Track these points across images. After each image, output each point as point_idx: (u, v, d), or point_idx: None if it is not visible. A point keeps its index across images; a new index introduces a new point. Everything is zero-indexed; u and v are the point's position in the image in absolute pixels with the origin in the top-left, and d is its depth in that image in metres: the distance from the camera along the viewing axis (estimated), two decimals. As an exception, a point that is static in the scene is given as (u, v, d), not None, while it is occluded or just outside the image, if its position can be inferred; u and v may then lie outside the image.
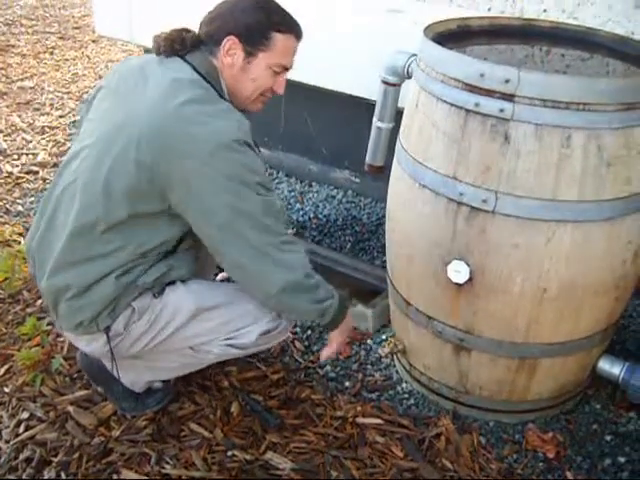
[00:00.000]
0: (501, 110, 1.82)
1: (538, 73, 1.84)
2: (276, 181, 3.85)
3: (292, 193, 3.71)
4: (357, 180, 3.62)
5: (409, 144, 2.10)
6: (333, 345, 2.20)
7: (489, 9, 2.87)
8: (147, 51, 3.08)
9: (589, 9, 2.63)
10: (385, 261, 2.56)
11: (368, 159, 2.61)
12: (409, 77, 2.36)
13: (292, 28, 2.04)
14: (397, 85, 2.43)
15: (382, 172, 2.59)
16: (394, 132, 2.52)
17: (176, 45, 2.00)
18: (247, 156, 1.89)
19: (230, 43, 1.97)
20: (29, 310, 2.81)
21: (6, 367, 2.51)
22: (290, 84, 2.53)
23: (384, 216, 3.32)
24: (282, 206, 2.04)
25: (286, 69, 2.08)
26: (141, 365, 2.22)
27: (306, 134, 3.73)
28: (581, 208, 1.86)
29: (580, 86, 1.76)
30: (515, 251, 1.93)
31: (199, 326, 2.09)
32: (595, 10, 2.62)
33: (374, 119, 2.52)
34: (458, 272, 2.01)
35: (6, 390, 2.40)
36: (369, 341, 2.64)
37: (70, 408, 2.31)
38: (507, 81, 1.78)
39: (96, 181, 1.94)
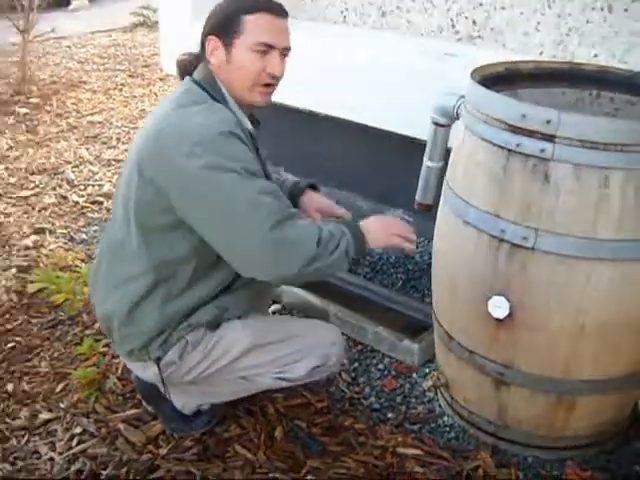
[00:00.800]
0: (542, 150, 1.88)
1: (577, 115, 1.90)
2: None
3: (345, 231, 3.77)
4: (410, 219, 3.68)
5: (455, 182, 2.18)
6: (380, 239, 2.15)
7: (541, 53, 2.95)
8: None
9: (639, 54, 2.69)
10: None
11: (418, 197, 2.68)
12: (458, 118, 2.44)
13: (261, 6, 2.03)
14: (447, 126, 2.50)
15: (431, 210, 2.65)
16: (443, 171, 2.60)
17: (188, 67, 2.14)
18: (230, 145, 1.93)
19: (212, 43, 2.05)
20: (87, 332, 2.94)
21: (63, 384, 2.63)
22: (343, 122, 2.63)
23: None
24: (277, 188, 2.03)
25: (271, 47, 2.04)
26: (193, 390, 2.30)
27: (359, 172, 3.82)
28: (619, 247, 1.90)
29: (617, 128, 1.82)
30: (554, 288, 1.98)
31: (252, 360, 2.16)
32: (645, 55, 2.68)
33: (424, 158, 2.60)
34: (498, 307, 2.06)
35: (62, 406, 2.52)
36: (414, 375, 2.69)
37: (121, 425, 2.41)
38: (548, 122, 1.85)
39: (118, 198, 2.12)
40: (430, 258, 3.42)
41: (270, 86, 2.11)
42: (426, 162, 2.59)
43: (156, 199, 2.00)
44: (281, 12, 2.08)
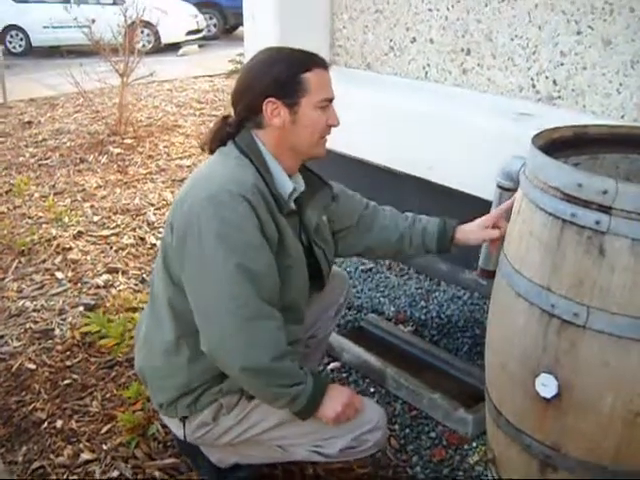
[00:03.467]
0: (597, 222, 1.77)
1: (637, 186, 1.78)
2: (405, 277, 3.86)
3: (419, 290, 3.69)
4: (484, 282, 3.56)
5: (509, 251, 2.08)
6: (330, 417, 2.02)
7: (622, 116, 2.82)
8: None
9: None
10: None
11: (481, 263, 2.58)
12: (522, 182, 2.35)
13: (315, 62, 2.05)
14: (512, 190, 2.41)
15: (493, 277, 2.55)
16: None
17: (222, 136, 2.11)
18: (230, 210, 1.90)
19: (270, 105, 2.01)
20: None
21: (109, 426, 2.64)
22: (419, 181, 2.58)
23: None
24: (266, 272, 1.94)
25: (330, 100, 2.08)
26: (229, 449, 2.25)
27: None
28: (677, 329, 1.76)
29: (678, 202, 1.70)
30: (605, 369, 1.85)
31: (287, 431, 2.09)
32: None
33: (487, 223, 2.51)
34: (546, 386, 1.94)
35: (104, 447, 2.53)
36: (465, 446, 2.57)
37: (157, 473, 2.39)
38: (605, 192, 1.74)
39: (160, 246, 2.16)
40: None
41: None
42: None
43: (174, 250, 2.01)
44: (327, 64, 2.10)
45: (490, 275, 2.59)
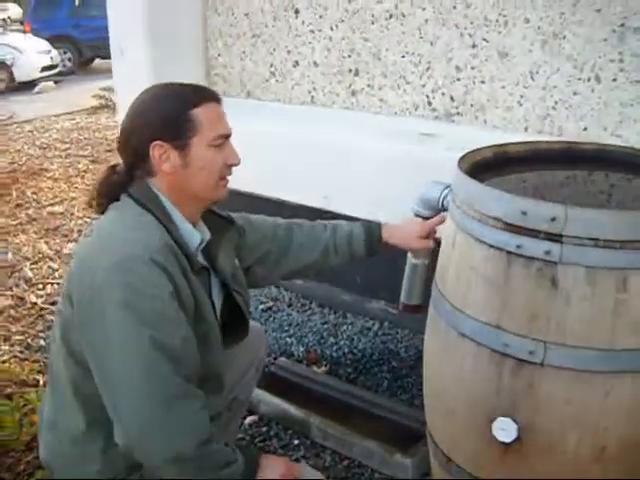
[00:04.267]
0: (547, 252, 1.63)
1: (588, 210, 1.65)
2: (308, 312, 3.67)
3: (325, 325, 3.51)
4: (393, 311, 3.42)
5: (445, 288, 1.91)
6: None
7: (525, 128, 2.74)
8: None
9: (633, 126, 2.48)
10: (425, 400, 2.34)
11: (403, 298, 2.42)
12: (444, 210, 2.20)
13: (205, 96, 1.84)
14: (431, 218, 2.27)
15: (419, 312, 2.40)
16: (430, 268, 2.35)
17: (112, 189, 1.87)
18: (139, 277, 1.64)
19: (158, 149, 1.79)
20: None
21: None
22: (315, 211, 2.42)
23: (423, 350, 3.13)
24: (184, 347, 1.67)
25: (227, 137, 1.86)
26: None
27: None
28: (642, 357, 1.64)
29: (638, 222, 1.58)
30: (568, 407, 1.71)
31: None
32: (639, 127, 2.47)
33: (408, 255, 2.35)
34: (504, 430, 1.79)
35: None
36: (408, 494, 2.40)
37: None
38: (553, 219, 1.60)
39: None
40: (417, 353, 3.19)
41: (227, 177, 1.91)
42: (410, 259, 2.34)
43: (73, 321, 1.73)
44: (219, 97, 1.89)
45: (414, 310, 2.44)
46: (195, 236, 1.86)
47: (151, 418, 1.60)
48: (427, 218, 2.26)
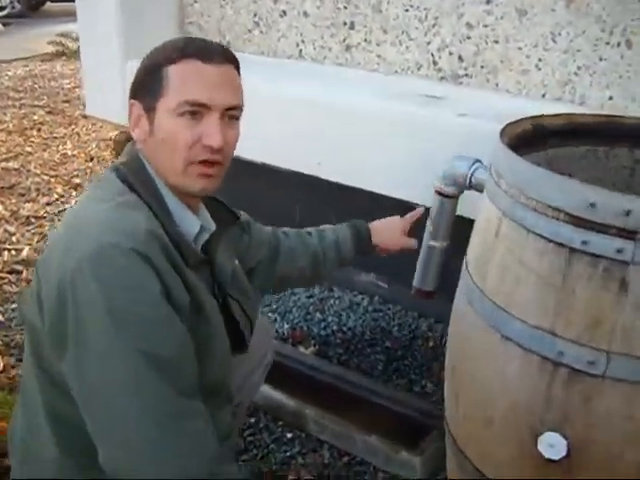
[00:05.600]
0: (618, 251, 1.40)
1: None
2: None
3: (311, 299, 3.25)
4: (384, 285, 3.18)
5: (485, 283, 1.68)
6: None
7: (543, 95, 2.50)
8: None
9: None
10: (424, 386, 2.16)
11: (416, 283, 2.19)
12: (472, 188, 1.97)
13: (188, 51, 1.48)
14: (455, 196, 2.03)
15: (432, 297, 2.18)
16: (448, 251, 2.13)
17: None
18: (119, 273, 1.32)
19: (133, 110, 1.53)
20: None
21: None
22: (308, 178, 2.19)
23: (417, 328, 2.92)
24: (179, 356, 1.38)
25: (204, 107, 1.47)
26: None
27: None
28: None
29: None
30: (629, 423, 1.51)
31: None
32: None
33: (425, 236, 2.11)
34: (552, 447, 1.58)
35: None
36: (417, 496, 2.20)
37: None
38: (627, 213, 1.38)
39: None
40: (412, 332, 2.98)
41: (212, 164, 1.51)
42: (428, 241, 2.11)
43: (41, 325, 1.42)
44: (217, 57, 1.50)
45: (427, 295, 2.23)
46: (194, 225, 1.57)
47: (145, 442, 1.31)
48: (451, 197, 2.03)
